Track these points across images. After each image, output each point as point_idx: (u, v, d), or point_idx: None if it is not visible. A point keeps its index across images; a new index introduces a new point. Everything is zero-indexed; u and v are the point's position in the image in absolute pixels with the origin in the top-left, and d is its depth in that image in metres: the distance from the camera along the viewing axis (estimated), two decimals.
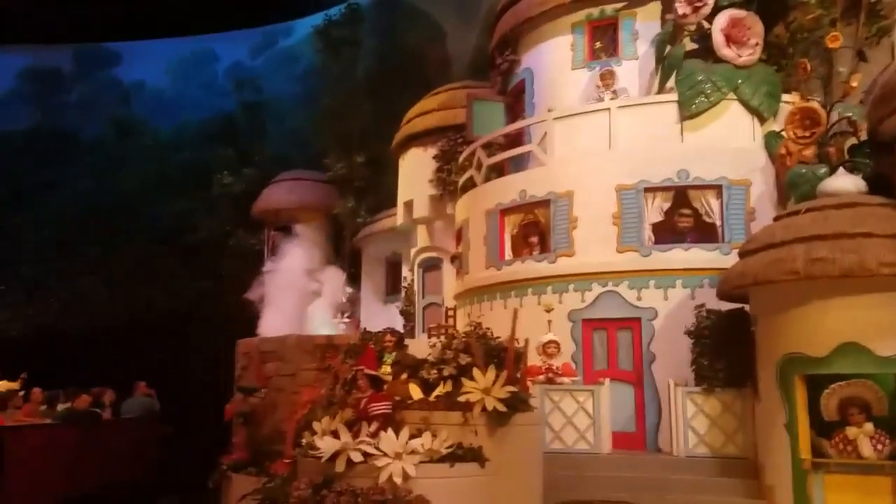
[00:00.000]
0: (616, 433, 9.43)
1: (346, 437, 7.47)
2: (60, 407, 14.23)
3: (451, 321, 13.65)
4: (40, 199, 23.74)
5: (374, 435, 7.47)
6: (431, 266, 15.34)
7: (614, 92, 11.25)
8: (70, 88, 28.98)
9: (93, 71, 29.05)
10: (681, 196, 10.36)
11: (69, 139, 26.41)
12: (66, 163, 25.57)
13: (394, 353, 9.48)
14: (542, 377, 9.56)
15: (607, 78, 11.30)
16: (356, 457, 7.18)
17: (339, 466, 7.14)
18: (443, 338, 9.50)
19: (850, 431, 7.59)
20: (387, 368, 9.06)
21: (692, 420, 8.90)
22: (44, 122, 27.67)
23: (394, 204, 16.34)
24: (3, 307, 21.44)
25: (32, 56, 28.72)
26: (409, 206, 15.45)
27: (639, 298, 9.99)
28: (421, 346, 10.32)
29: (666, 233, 10.35)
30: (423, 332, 14.78)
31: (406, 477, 7.03)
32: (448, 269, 14.38)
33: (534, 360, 9.55)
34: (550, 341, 9.91)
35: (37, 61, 28.81)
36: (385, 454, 7.16)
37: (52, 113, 28.02)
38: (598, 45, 11.75)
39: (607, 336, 10.15)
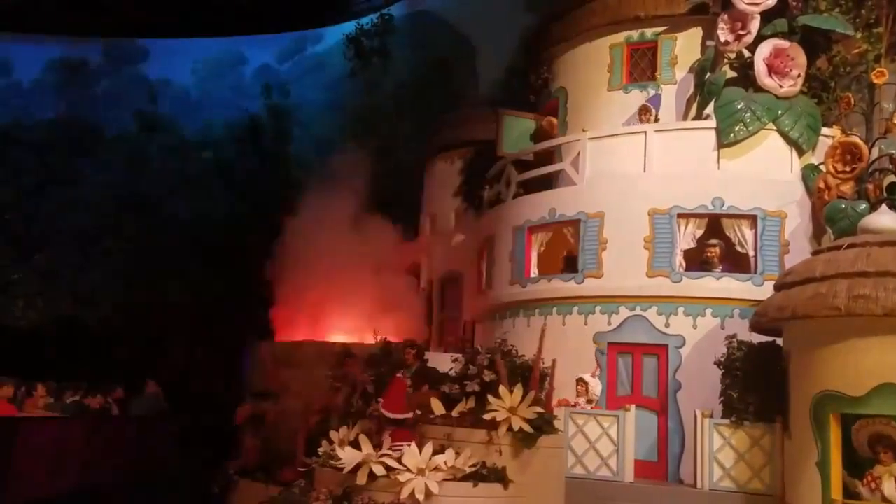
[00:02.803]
0: (637, 462, 9.23)
1: (367, 448, 7.35)
2: (69, 400, 14.12)
3: (468, 336, 13.55)
4: (61, 190, 23.73)
5: None
6: (451, 279, 15.21)
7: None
8: (96, 82, 29.10)
9: (120, 66, 29.12)
10: (714, 224, 10.23)
11: (93, 132, 26.45)
12: (89, 156, 25.59)
13: (413, 368, 9.32)
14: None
15: (645, 113, 11.16)
16: (378, 470, 7.04)
17: (361, 479, 7.02)
18: (461, 354, 9.38)
19: (877, 470, 7.39)
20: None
21: (718, 453, 8.69)
22: (68, 114, 27.76)
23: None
24: (17, 297, 21.39)
25: (61, 48, 28.86)
26: (433, 217, 15.36)
27: (667, 325, 9.85)
28: (435, 359, 10.21)
29: (697, 260, 10.22)
30: (440, 345, 14.64)
31: (428, 494, 6.91)
32: (468, 283, 14.25)
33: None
34: (580, 379, 9.74)
35: (65, 53, 28.95)
36: (408, 469, 7.03)
37: (77, 105, 28.10)
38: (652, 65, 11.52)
39: (632, 361, 10.00)
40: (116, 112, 26.21)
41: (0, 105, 27.93)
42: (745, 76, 10.80)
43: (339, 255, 13.63)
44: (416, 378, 9.04)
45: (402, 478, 6.95)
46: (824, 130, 10.53)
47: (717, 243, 10.27)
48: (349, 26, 22.44)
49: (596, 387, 9.61)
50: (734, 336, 9.05)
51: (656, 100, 11.39)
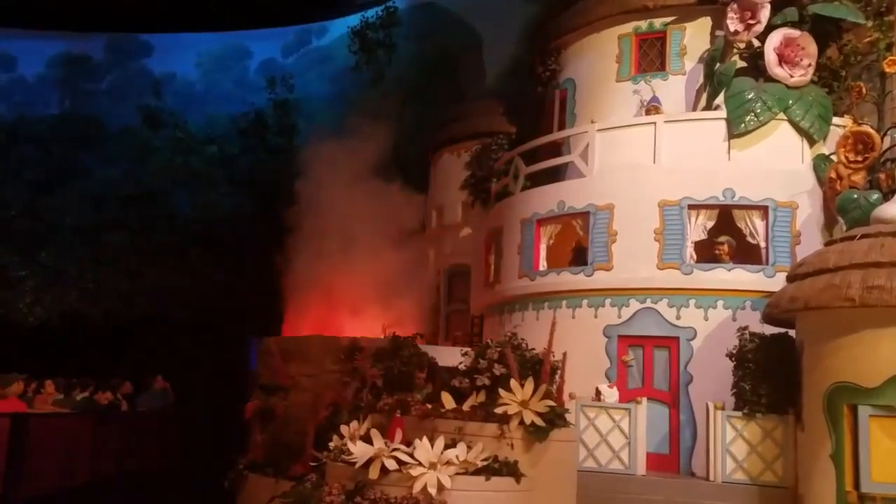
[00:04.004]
0: (649, 454, 9.20)
1: (379, 442, 7.30)
2: (78, 397, 14.11)
3: (476, 330, 13.51)
4: (66, 185, 23.69)
5: None
6: (458, 272, 15.16)
7: None
8: (100, 77, 29.01)
9: (124, 60, 28.98)
10: (725, 215, 10.16)
11: (97, 127, 26.43)
12: (94, 151, 25.57)
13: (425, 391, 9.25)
14: None
15: (652, 113, 11.09)
16: (391, 464, 7.00)
17: (373, 473, 6.96)
18: (470, 348, 9.35)
19: None
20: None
21: (730, 445, 8.64)
22: (73, 109, 27.74)
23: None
24: (24, 293, 21.37)
25: (65, 43, 28.79)
26: (439, 211, 15.31)
27: (678, 317, 9.82)
28: (444, 353, 10.19)
29: (708, 252, 10.16)
30: (448, 339, 14.61)
31: (441, 488, 6.84)
32: (475, 277, 14.20)
33: None
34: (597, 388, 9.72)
35: (69, 48, 28.88)
36: (420, 463, 6.99)
37: (81, 100, 28.06)
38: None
39: (643, 354, 9.95)
40: (120, 106, 26.11)
41: (4, 101, 27.88)
42: (756, 66, 10.70)
43: (351, 230, 13.35)
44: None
45: (414, 472, 6.90)
46: (835, 120, 10.45)
47: (725, 240, 10.21)
48: (354, 19, 22.38)
49: (609, 397, 9.56)
50: (746, 328, 9.00)
51: (655, 100, 11.30)
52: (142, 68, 28.81)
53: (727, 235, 10.28)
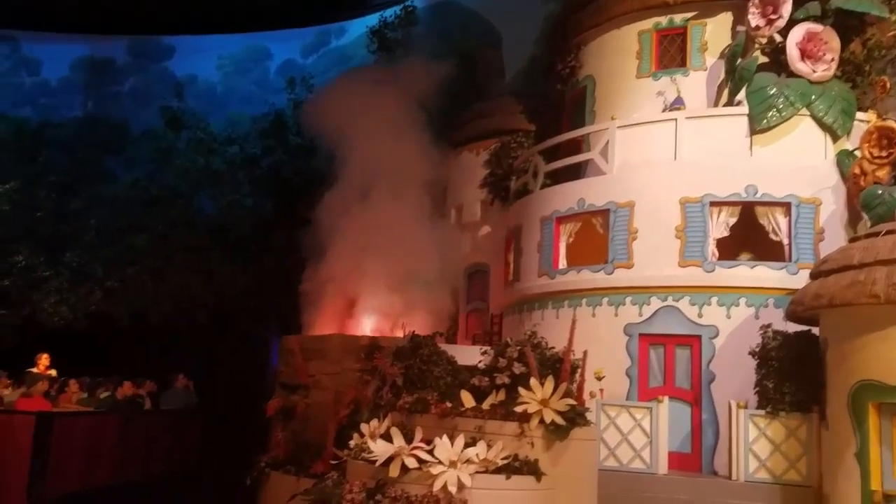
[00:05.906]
0: (671, 453, 9.14)
1: (399, 441, 7.32)
2: (101, 395, 14.27)
3: (496, 329, 13.48)
4: (88, 188, 23.96)
5: None
6: (477, 271, 15.13)
7: None
8: (123, 79, 29.35)
9: (146, 63, 29.31)
10: (747, 212, 10.06)
11: (120, 129, 26.78)
12: (117, 153, 25.90)
13: None
14: None
15: None
16: (411, 463, 7.02)
17: (394, 472, 6.99)
18: (490, 346, 9.33)
19: None
20: None
21: (753, 444, 8.56)
22: (96, 112, 28.13)
23: None
24: (49, 293, 21.64)
25: (87, 46, 29.14)
26: (458, 209, 15.29)
27: (700, 315, 9.72)
28: (458, 351, 10.19)
29: (730, 249, 10.06)
30: (468, 338, 14.59)
31: (461, 486, 6.86)
32: (495, 275, 14.17)
33: None
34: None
35: (92, 51, 29.23)
36: (440, 462, 7.00)
37: (104, 103, 28.44)
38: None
39: (665, 352, 9.88)
40: (143, 109, 26.38)
41: (28, 104, 28.30)
42: (778, 61, 10.59)
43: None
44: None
45: (434, 470, 6.91)
46: (859, 115, 10.32)
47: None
48: (372, 19, 22.41)
49: None
50: (769, 325, 8.93)
51: (679, 101, 11.22)
52: (163, 70, 29.12)
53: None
